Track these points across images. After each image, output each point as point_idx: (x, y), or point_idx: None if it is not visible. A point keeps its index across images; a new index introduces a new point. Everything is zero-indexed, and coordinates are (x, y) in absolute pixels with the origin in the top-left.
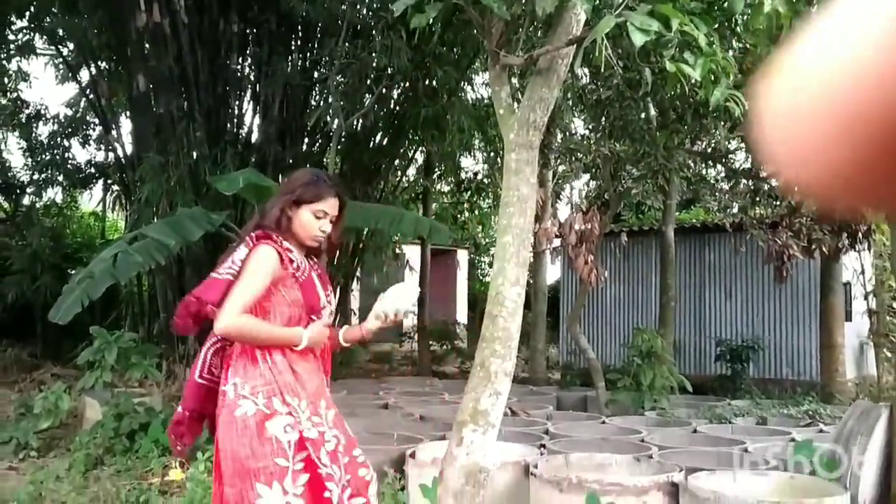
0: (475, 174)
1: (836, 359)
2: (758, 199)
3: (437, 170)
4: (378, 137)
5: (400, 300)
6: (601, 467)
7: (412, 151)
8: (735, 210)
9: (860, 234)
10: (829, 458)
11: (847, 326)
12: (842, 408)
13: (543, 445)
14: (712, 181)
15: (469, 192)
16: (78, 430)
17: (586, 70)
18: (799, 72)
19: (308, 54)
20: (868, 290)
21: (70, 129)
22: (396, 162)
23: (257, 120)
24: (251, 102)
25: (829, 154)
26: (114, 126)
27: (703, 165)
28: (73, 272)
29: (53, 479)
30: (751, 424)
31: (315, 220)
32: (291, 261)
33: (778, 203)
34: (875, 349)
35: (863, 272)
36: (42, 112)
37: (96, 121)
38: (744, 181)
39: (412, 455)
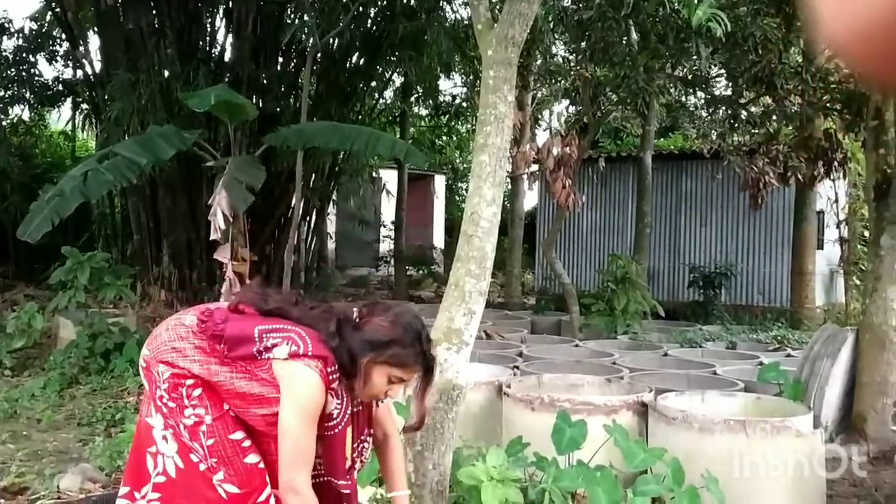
0: (453, 98)
1: (806, 286)
2: (736, 126)
3: (414, 92)
4: (354, 58)
5: None
6: (573, 388)
7: (389, 73)
8: (713, 137)
9: (836, 163)
10: (795, 380)
11: (818, 254)
12: (810, 333)
13: (517, 367)
14: (691, 108)
15: (447, 117)
16: (52, 350)
17: None
18: None
19: None
20: (841, 219)
21: (36, 45)
22: (373, 83)
23: (230, 38)
24: (224, 19)
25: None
26: (81, 42)
27: (683, 92)
28: (43, 191)
29: (29, 397)
30: (721, 349)
31: (385, 384)
32: (327, 410)
33: (756, 131)
34: (845, 277)
35: (836, 200)
36: (6, 25)
37: (63, 36)
38: (723, 108)
39: None
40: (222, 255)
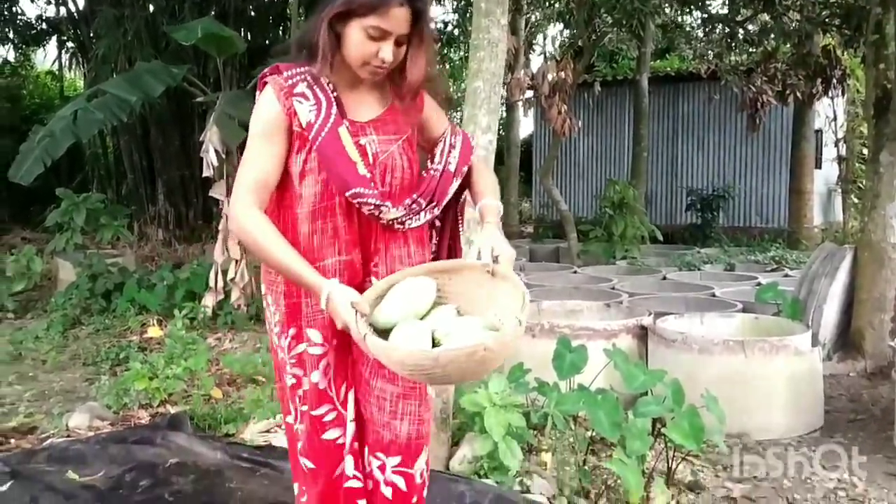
0: (445, 24)
1: (804, 205)
2: (733, 45)
3: None
4: None
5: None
6: (572, 314)
7: None
8: (710, 57)
9: (834, 80)
10: (793, 299)
11: (816, 174)
12: (808, 253)
13: None
14: (688, 28)
15: (440, 44)
16: (53, 292)
17: None
18: None
19: None
20: (839, 137)
21: None
22: None
23: None
24: None
25: None
26: None
27: (679, 11)
28: (32, 132)
29: (33, 339)
30: (719, 271)
31: (369, 43)
32: (296, 112)
33: (753, 49)
34: (843, 195)
35: (835, 119)
36: None
37: None
38: (720, 27)
39: None
40: (218, 192)
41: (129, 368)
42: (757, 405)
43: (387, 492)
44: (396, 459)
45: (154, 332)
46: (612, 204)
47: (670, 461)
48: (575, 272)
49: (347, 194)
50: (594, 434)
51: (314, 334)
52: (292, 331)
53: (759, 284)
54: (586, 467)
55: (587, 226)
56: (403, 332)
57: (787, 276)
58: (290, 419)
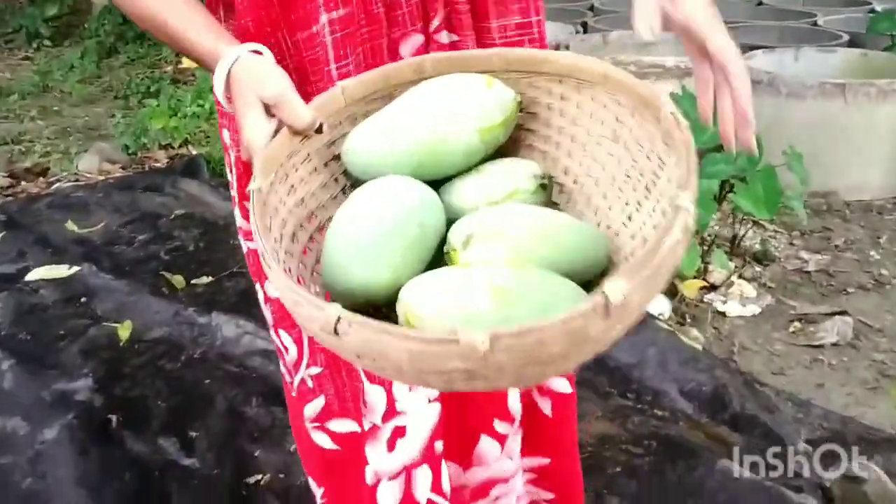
0: None
1: None
2: None
3: None
4: None
5: None
6: (643, 48)
7: None
8: None
9: None
10: None
11: None
12: None
13: (585, 24)
14: None
15: None
16: (89, 18)
17: None
18: None
19: None
20: None
21: None
22: None
23: None
24: None
25: None
26: None
27: None
28: None
29: (67, 68)
30: None
31: None
32: None
33: None
34: None
35: None
36: None
37: None
38: None
39: None
40: None
41: (159, 104)
42: (851, 160)
43: None
44: None
45: (189, 63)
46: None
47: (736, 228)
48: None
49: None
50: None
51: None
52: None
53: (872, 12)
54: None
55: None
56: (368, 199)
57: None
58: (288, 380)
